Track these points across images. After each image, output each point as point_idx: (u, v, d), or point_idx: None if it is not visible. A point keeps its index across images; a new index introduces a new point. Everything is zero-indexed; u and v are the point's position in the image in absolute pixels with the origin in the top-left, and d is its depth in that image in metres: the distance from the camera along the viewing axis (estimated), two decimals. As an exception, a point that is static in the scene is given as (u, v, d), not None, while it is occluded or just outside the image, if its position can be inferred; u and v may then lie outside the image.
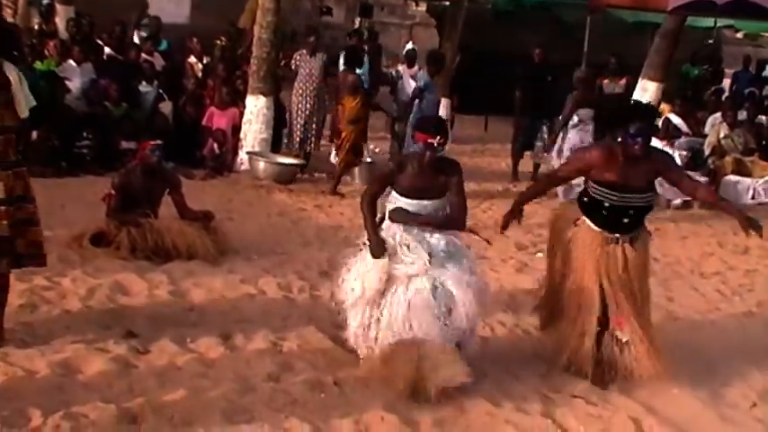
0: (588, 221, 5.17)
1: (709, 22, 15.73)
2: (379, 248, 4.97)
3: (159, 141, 7.23)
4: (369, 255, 5.02)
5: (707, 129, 12.66)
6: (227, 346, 5.29)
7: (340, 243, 8.10)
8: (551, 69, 11.75)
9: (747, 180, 11.67)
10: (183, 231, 7.03)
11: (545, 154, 11.63)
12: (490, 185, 11.47)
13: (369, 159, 11.38)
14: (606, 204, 5.07)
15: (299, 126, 11.31)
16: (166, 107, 11.35)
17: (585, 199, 5.23)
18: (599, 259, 5.10)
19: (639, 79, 11.90)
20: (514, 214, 5.47)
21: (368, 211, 5.14)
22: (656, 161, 5.10)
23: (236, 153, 11.06)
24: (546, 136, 11.61)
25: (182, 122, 11.13)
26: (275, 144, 11.42)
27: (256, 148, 10.99)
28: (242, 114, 11.11)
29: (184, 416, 4.25)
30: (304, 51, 11.34)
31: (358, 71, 11.45)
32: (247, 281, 6.57)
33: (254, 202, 9.63)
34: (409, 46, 16.63)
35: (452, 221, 5.11)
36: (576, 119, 10.54)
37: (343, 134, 10.38)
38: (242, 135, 11.05)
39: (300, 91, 11.32)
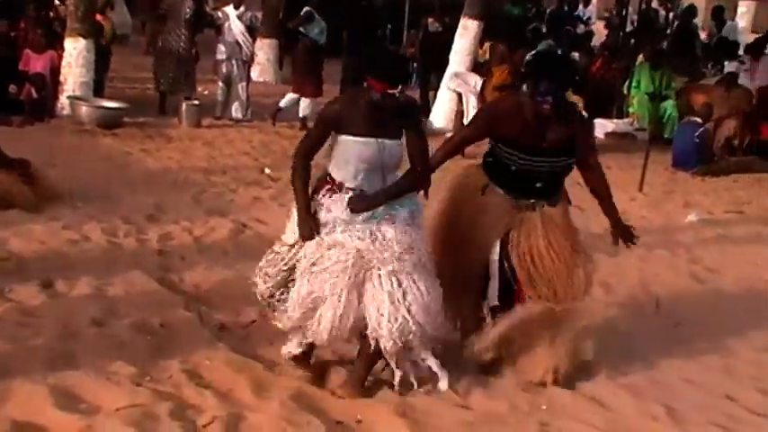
0: (497, 188, 4.58)
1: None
2: (308, 229, 4.12)
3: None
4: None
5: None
6: (48, 293, 5.17)
7: (168, 187, 8.07)
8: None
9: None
10: (-2, 180, 6.78)
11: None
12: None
13: (196, 102, 11.25)
14: (513, 168, 4.50)
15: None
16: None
17: (490, 159, 4.65)
18: (511, 228, 4.50)
19: (461, 18, 12.19)
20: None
21: (300, 176, 4.18)
22: (573, 127, 4.50)
23: (56, 98, 10.68)
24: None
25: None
26: (98, 87, 11.15)
27: (78, 93, 10.64)
28: (61, 57, 10.72)
29: (3, 365, 4.16)
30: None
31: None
32: (70, 227, 6.41)
33: (77, 148, 9.34)
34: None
35: (419, 181, 4.25)
36: None
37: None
38: (62, 79, 10.67)
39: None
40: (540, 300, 4.46)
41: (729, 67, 13.29)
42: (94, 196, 7.35)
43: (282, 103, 11.74)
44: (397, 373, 4.24)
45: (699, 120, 11.53)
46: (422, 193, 4.40)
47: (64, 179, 7.58)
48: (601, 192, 4.72)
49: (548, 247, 4.48)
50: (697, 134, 11.34)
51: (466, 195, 4.68)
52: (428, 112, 12.81)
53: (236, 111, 11.69)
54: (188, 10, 11.26)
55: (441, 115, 12.48)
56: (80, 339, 4.58)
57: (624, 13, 15.60)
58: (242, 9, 11.72)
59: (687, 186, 10.52)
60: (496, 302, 4.55)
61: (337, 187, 4.17)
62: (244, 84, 11.74)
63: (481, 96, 11.29)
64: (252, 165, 9.38)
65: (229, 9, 11.71)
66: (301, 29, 11.78)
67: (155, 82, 11.75)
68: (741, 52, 15.16)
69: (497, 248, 4.51)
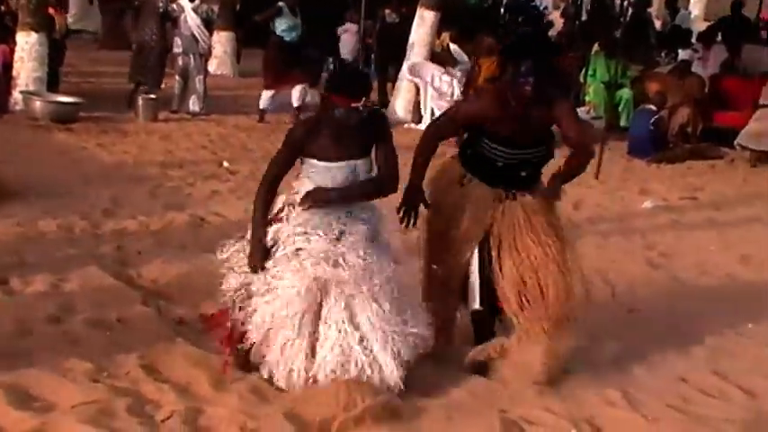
0: (475, 179, 4.45)
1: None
2: (257, 256, 4.04)
3: None
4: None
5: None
6: (3, 290, 5.10)
7: (124, 181, 8.01)
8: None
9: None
10: (-50, 177, 6.69)
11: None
12: (279, 117, 11.57)
13: (152, 95, 11.17)
14: (499, 164, 4.38)
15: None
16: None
17: (470, 151, 4.51)
18: (493, 220, 4.39)
19: (418, 8, 12.22)
20: (418, 199, 4.49)
21: (262, 200, 4.09)
22: (554, 108, 4.33)
23: (9, 93, 10.54)
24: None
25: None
26: (52, 82, 11.03)
27: (31, 88, 10.53)
28: (13, 52, 10.58)
29: (-44, 365, 4.12)
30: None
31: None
32: (25, 223, 6.34)
33: (31, 143, 9.24)
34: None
35: (385, 186, 4.14)
36: None
37: None
38: (15, 74, 10.54)
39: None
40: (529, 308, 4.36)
41: (683, 55, 13.43)
42: (49, 192, 7.28)
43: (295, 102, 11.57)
44: None
45: (653, 107, 11.66)
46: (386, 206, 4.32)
47: (18, 175, 7.50)
48: (566, 164, 4.55)
49: (534, 240, 4.37)
50: (652, 122, 11.47)
51: (444, 191, 4.54)
52: (386, 103, 12.84)
53: (193, 104, 11.64)
54: (161, 4, 11.28)
55: (400, 105, 12.51)
56: (36, 337, 4.54)
57: (579, 2, 15.73)
58: (197, 2, 11.66)
59: (643, 173, 10.65)
60: (477, 306, 4.47)
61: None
62: (201, 77, 11.69)
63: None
64: (210, 158, 9.33)
65: (184, 2, 11.63)
66: (271, 24, 11.63)
67: (130, 74, 11.75)
68: (694, 40, 15.35)
69: (476, 250, 4.41)
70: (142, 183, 8.02)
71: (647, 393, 4.54)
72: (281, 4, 11.45)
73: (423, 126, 11.75)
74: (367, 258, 4.00)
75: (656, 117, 11.52)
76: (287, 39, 11.45)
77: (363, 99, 3.99)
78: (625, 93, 12.93)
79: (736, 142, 11.66)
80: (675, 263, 6.96)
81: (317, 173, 4.06)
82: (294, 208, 4.10)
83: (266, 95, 11.53)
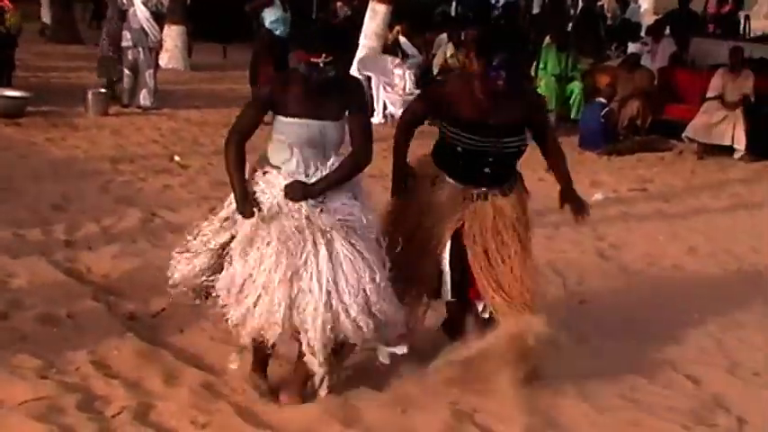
0: (448, 178, 4.41)
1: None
2: (246, 203, 3.94)
3: None
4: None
5: (435, 49, 13.27)
6: (-53, 289, 5.05)
7: (75, 176, 7.91)
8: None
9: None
10: None
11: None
12: (230, 111, 11.49)
13: (102, 89, 11.05)
14: (459, 149, 4.32)
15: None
16: None
17: (439, 145, 4.49)
18: (463, 220, 4.36)
19: (369, 2, 12.24)
20: (404, 179, 4.47)
21: (235, 153, 3.97)
22: (525, 101, 4.34)
23: (-45, 88, 10.39)
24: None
25: None
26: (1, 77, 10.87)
27: (-22, 82, 10.39)
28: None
29: None
30: None
31: None
32: (-29, 220, 6.27)
33: (-24, 139, 9.11)
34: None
35: (361, 160, 4.07)
36: None
37: None
38: (-39, 68, 10.39)
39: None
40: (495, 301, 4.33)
41: (632, 48, 13.60)
42: (-3, 187, 7.19)
43: None
44: (319, 373, 4.06)
45: (604, 100, 11.80)
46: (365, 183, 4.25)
47: (-38, 171, 7.39)
48: (557, 173, 4.66)
49: (498, 246, 4.34)
50: (602, 114, 11.61)
51: (416, 188, 4.48)
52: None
53: (144, 98, 11.50)
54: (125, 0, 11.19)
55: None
56: (-18, 334, 4.49)
57: (532, -5, 15.90)
58: (148, -5, 11.51)
59: (593, 166, 10.76)
60: (449, 298, 4.45)
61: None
62: (151, 71, 11.54)
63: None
64: (161, 153, 9.25)
65: (135, -6, 11.49)
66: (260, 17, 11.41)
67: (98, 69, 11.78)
68: (643, 34, 15.54)
69: (448, 244, 4.37)
70: (93, 178, 7.93)
71: (596, 383, 4.61)
72: None
73: (375, 120, 11.82)
74: (346, 204, 3.99)
75: (606, 110, 11.66)
76: (276, 32, 11.20)
77: (324, 56, 3.84)
78: (576, 86, 13.04)
79: (684, 135, 11.85)
80: (625, 254, 7.06)
81: (283, 128, 3.96)
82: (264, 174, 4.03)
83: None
